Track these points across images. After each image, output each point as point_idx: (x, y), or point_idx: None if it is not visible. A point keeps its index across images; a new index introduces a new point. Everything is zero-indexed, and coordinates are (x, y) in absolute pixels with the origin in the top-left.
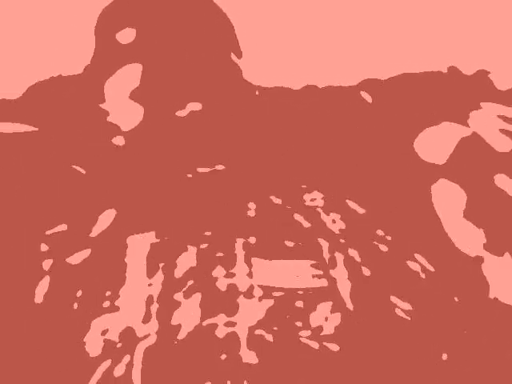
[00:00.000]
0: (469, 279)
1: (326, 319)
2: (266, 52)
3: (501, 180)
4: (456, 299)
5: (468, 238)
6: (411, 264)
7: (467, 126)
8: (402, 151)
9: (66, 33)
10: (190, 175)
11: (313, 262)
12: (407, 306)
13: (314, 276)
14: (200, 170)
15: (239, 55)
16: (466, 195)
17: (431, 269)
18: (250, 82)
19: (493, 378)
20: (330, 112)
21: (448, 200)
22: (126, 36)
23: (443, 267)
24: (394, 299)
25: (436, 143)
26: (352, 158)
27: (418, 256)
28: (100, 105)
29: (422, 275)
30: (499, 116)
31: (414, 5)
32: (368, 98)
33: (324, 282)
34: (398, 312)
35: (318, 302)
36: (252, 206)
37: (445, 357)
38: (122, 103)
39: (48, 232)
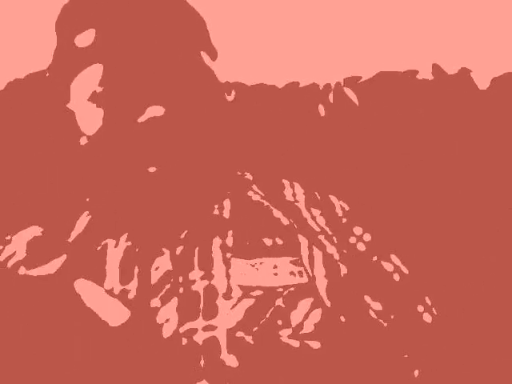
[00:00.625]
0: (443, 283)
1: (307, 316)
2: (249, 49)
3: (480, 177)
4: (428, 302)
5: (448, 240)
6: (386, 264)
7: (449, 124)
8: (386, 149)
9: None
10: (161, 175)
11: (292, 258)
12: (378, 307)
13: (293, 273)
14: (172, 170)
15: (213, 56)
16: (448, 194)
17: (405, 271)
18: (227, 82)
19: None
20: (312, 108)
21: (431, 199)
22: (88, 36)
23: (417, 269)
24: (367, 299)
25: (419, 141)
26: (336, 154)
27: (393, 257)
28: (67, 105)
29: (396, 276)
30: (480, 114)
31: (397, 2)
32: (352, 94)
33: (304, 279)
34: (371, 312)
35: (299, 300)
36: (227, 204)
37: (416, 371)
38: (84, 106)
39: (23, 237)
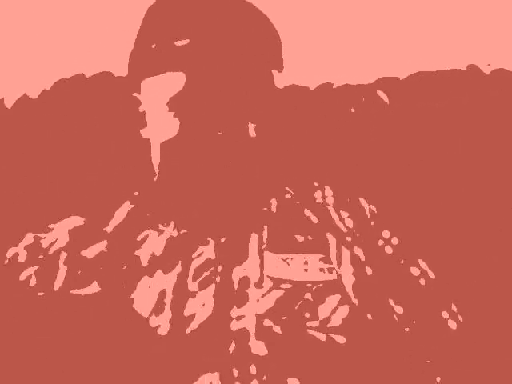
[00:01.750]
0: (471, 291)
1: (334, 311)
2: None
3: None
4: (454, 308)
5: (478, 249)
6: (413, 269)
7: (486, 125)
8: (418, 152)
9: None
10: (206, 171)
11: (322, 255)
12: (400, 310)
13: (322, 270)
14: (216, 167)
15: (280, 68)
16: (480, 201)
17: (432, 276)
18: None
19: None
20: (345, 110)
21: (463, 206)
22: (169, 41)
23: (445, 275)
24: (391, 302)
25: (453, 144)
26: (367, 157)
27: (420, 261)
28: (134, 95)
29: (422, 281)
30: (498, 114)
31: (433, 3)
32: (384, 96)
33: (333, 276)
34: (393, 315)
35: (327, 295)
36: (273, 202)
37: (438, 378)
38: (155, 108)
39: (65, 226)
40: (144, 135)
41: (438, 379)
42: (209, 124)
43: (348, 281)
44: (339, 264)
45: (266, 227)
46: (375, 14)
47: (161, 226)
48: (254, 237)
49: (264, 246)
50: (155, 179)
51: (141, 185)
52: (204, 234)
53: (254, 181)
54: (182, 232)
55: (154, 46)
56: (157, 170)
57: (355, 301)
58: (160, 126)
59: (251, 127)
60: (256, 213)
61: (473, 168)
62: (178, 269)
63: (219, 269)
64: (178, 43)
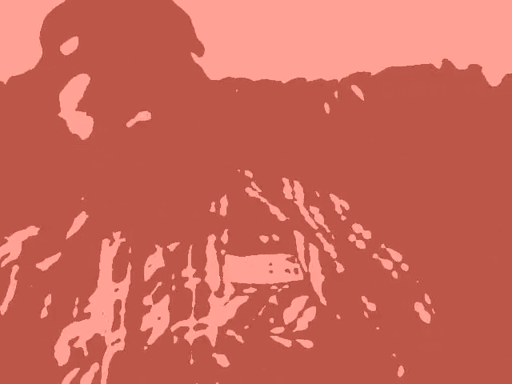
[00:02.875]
0: (444, 281)
1: (301, 314)
2: (255, 45)
3: (482, 173)
4: (427, 300)
5: (450, 238)
6: (385, 262)
7: (458, 120)
8: (389, 146)
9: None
10: (157, 172)
11: (288, 255)
12: (373, 307)
13: (288, 270)
14: (169, 167)
15: (200, 52)
16: (450, 191)
17: (405, 268)
18: (230, 77)
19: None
20: (317, 105)
21: (432, 197)
22: (72, 43)
23: (418, 267)
24: (363, 299)
25: (420, 138)
26: (338, 152)
27: (393, 253)
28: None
29: (395, 274)
30: (490, 110)
31: None
32: (358, 91)
33: (299, 277)
34: (365, 313)
35: (293, 297)
36: (224, 201)
37: (400, 369)
38: (76, 107)
39: (19, 237)
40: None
41: (401, 370)
42: (145, 122)
43: (317, 280)
44: (307, 262)
45: (226, 230)
46: (349, 8)
47: (113, 234)
48: (211, 240)
49: (224, 251)
50: (100, 185)
51: (89, 191)
52: (150, 241)
53: (207, 180)
54: (129, 239)
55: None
56: (100, 175)
57: (323, 301)
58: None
59: (193, 123)
60: (210, 214)
61: (442, 157)
62: (128, 280)
63: (172, 277)
64: (73, 47)
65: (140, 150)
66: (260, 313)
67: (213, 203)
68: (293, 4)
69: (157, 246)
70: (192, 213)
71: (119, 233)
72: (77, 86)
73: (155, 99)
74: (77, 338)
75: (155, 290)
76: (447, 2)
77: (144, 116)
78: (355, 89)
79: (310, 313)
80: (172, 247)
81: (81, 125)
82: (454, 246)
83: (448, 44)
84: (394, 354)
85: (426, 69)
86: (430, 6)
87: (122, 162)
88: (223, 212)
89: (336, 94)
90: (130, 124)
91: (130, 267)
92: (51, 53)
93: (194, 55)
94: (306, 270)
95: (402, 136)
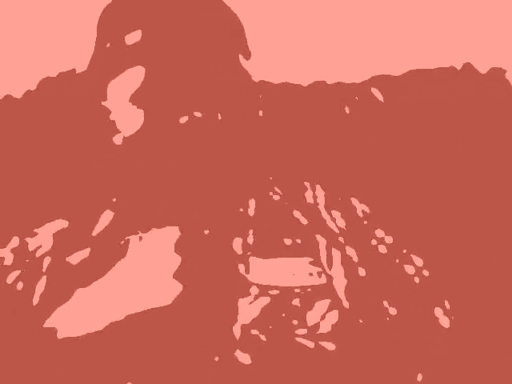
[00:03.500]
0: (465, 288)
1: (323, 317)
2: (274, 48)
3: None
4: (447, 305)
5: (472, 245)
6: (407, 267)
7: (480, 124)
8: (412, 151)
9: (64, 31)
10: (188, 174)
11: (311, 259)
12: (394, 311)
13: (311, 274)
14: (199, 167)
15: (247, 56)
16: (477, 198)
17: (426, 274)
18: (256, 81)
19: None
20: (338, 109)
21: (455, 203)
22: (131, 36)
23: (439, 273)
24: (385, 303)
25: (447, 142)
26: (360, 156)
27: (415, 259)
28: (103, 103)
29: (416, 279)
30: (495, 113)
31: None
32: (378, 94)
33: (322, 280)
34: (387, 317)
35: (316, 300)
36: (252, 203)
37: (419, 377)
38: (124, 105)
39: (49, 230)
40: (118, 142)
41: (420, 377)
42: (179, 123)
43: (339, 283)
44: (330, 266)
45: (251, 231)
46: (370, 11)
47: (140, 233)
48: (237, 241)
49: (249, 252)
50: (131, 184)
51: (120, 191)
52: (182, 240)
53: (232, 181)
54: (161, 238)
55: (108, 46)
56: (131, 174)
57: (346, 304)
58: (132, 129)
59: (231, 122)
60: (234, 216)
61: (466, 165)
62: (158, 276)
63: (201, 276)
64: (133, 40)
65: (171, 151)
66: (283, 314)
67: (241, 204)
68: (315, 8)
69: (188, 244)
70: (221, 212)
71: (152, 231)
72: (121, 84)
73: (193, 100)
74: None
75: (183, 287)
76: (467, 4)
77: (182, 117)
78: (375, 92)
79: (333, 316)
80: (202, 246)
81: (124, 119)
82: (475, 252)
83: (469, 47)
84: (407, 359)
85: (447, 72)
86: (450, 8)
87: (156, 163)
88: (251, 213)
89: (356, 97)
90: (166, 126)
91: (159, 263)
92: (109, 41)
93: (241, 59)
94: (329, 274)
95: (424, 140)
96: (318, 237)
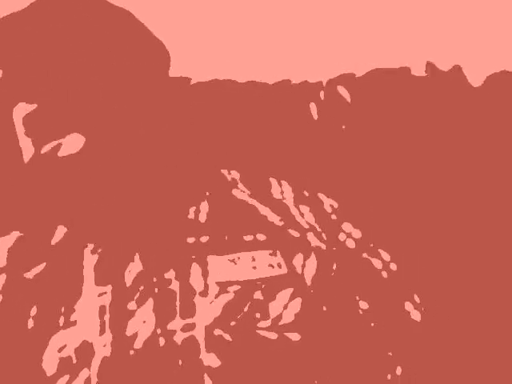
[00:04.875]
0: (433, 281)
1: (286, 307)
2: (240, 46)
3: (474, 176)
4: (417, 299)
5: (439, 237)
6: (375, 261)
7: (442, 121)
8: (375, 146)
9: None
10: (134, 175)
11: (270, 251)
12: (365, 305)
13: (271, 265)
14: (146, 168)
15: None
16: (438, 189)
17: (394, 268)
18: (216, 79)
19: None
20: (303, 106)
21: (421, 195)
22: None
23: (406, 266)
24: (356, 297)
25: (407, 138)
26: (325, 151)
27: (382, 253)
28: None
29: (384, 274)
30: (472, 111)
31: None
32: (345, 92)
33: (283, 270)
34: (358, 310)
35: (278, 291)
36: (204, 206)
37: (399, 368)
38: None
39: (3, 243)
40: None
41: (399, 370)
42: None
43: (309, 277)
44: (305, 260)
45: (207, 232)
46: (339, 8)
47: (90, 246)
48: (190, 241)
49: (206, 252)
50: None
51: (69, 199)
52: (130, 247)
53: (188, 182)
54: (109, 246)
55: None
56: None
57: (311, 290)
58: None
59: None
60: (187, 222)
61: (427, 153)
62: (110, 287)
63: (154, 280)
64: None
65: (117, 153)
66: (246, 308)
67: (192, 209)
68: (279, 5)
69: (136, 251)
70: (170, 219)
71: (99, 240)
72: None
73: (137, 100)
74: (64, 345)
75: (138, 294)
76: (431, 3)
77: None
78: (341, 90)
79: (295, 305)
80: (152, 251)
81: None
82: (442, 245)
83: (431, 45)
84: (390, 353)
85: (409, 71)
86: (414, 7)
87: (101, 169)
88: (202, 218)
89: (322, 95)
90: (110, 128)
91: (111, 273)
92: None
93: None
94: (301, 269)
95: (388, 135)
96: (290, 231)
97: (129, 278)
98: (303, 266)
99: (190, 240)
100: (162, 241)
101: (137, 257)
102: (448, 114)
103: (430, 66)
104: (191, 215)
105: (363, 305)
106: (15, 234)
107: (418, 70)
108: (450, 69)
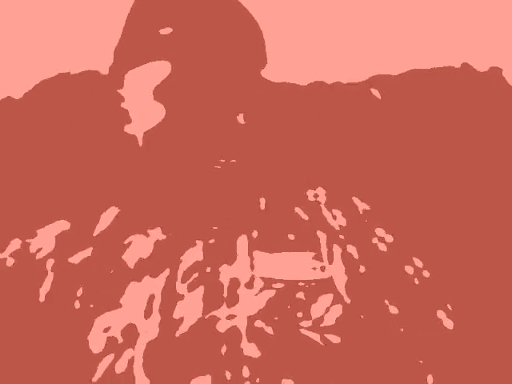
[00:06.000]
0: (465, 288)
1: (327, 310)
2: (274, 48)
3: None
4: (450, 308)
5: (473, 247)
6: (407, 267)
7: (478, 123)
8: (411, 150)
9: (66, 31)
10: (193, 171)
11: (314, 253)
12: (394, 310)
13: (315, 268)
14: (204, 166)
15: (263, 63)
16: (475, 198)
17: (426, 275)
18: (268, 81)
19: None
20: (337, 108)
21: (456, 203)
22: (151, 34)
23: (439, 273)
24: (386, 301)
25: (446, 141)
26: (360, 155)
27: (415, 259)
28: (103, 102)
29: (416, 280)
30: (492, 114)
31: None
32: (377, 94)
33: (325, 274)
34: (387, 315)
35: (320, 294)
36: (262, 200)
37: (429, 378)
38: (127, 105)
39: (51, 231)
40: (130, 132)
41: (430, 379)
42: (195, 120)
43: (340, 280)
44: (330, 262)
45: (256, 227)
46: (368, 11)
47: (148, 230)
48: (243, 236)
49: (255, 247)
50: (140, 180)
51: (127, 187)
52: (191, 236)
53: (243, 180)
54: (169, 235)
55: (138, 40)
56: (142, 170)
57: (348, 300)
58: (145, 122)
59: (240, 122)
60: (244, 212)
61: (467, 165)
62: (167, 272)
63: (208, 270)
64: (161, 33)
65: (183, 146)
66: (288, 306)
67: (256, 201)
68: (312, 8)
69: (197, 240)
70: (228, 210)
71: (159, 228)
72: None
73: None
74: (109, 327)
75: (191, 280)
76: (464, 4)
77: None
78: (374, 91)
79: (337, 310)
80: (210, 242)
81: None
82: (475, 254)
83: (468, 46)
84: (421, 361)
85: (446, 71)
86: (446, 8)
87: (159, 159)
88: (262, 207)
89: (356, 97)
90: (169, 126)
91: (168, 260)
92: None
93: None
94: (330, 270)
95: (425, 139)
96: (319, 233)
97: (184, 265)
98: (336, 272)
99: (243, 235)
100: (219, 232)
101: (199, 246)
102: (483, 114)
103: (465, 67)
104: (251, 206)
105: (393, 309)
106: (62, 223)
107: (453, 71)
108: (486, 70)
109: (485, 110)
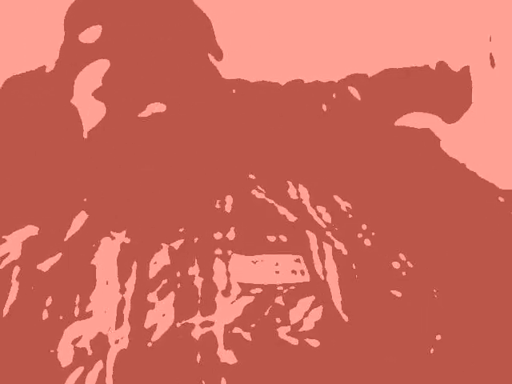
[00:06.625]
0: (450, 278)
1: (306, 314)
2: (251, 46)
3: (487, 176)
4: (435, 295)
5: (453, 237)
6: (394, 263)
7: (455, 121)
8: (390, 147)
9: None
10: (161, 170)
11: (295, 256)
12: (387, 303)
13: (295, 271)
14: (173, 166)
15: (219, 56)
16: (455, 192)
17: (410, 265)
18: (230, 79)
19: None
20: (316, 107)
21: (436, 197)
22: (93, 33)
23: (422, 264)
24: (379, 296)
25: (425, 139)
26: (339, 153)
27: (399, 253)
28: (70, 101)
29: (403, 273)
30: (484, 112)
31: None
32: (355, 93)
33: (305, 278)
34: (382, 308)
35: (299, 298)
36: (229, 199)
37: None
38: (86, 101)
39: (18, 236)
40: (87, 136)
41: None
42: (153, 121)
43: (333, 277)
44: (322, 260)
45: (232, 228)
46: (347, 10)
47: (113, 233)
48: (217, 238)
49: (231, 250)
50: (103, 183)
51: (92, 190)
52: (157, 239)
53: (211, 179)
54: (133, 239)
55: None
56: (104, 173)
57: (339, 298)
58: (103, 126)
59: (199, 122)
60: (215, 213)
61: (445, 160)
62: (134, 278)
63: (178, 275)
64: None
65: (144, 147)
66: (266, 312)
67: (218, 200)
68: (291, 5)
69: (163, 243)
70: (197, 210)
71: (124, 231)
72: (90, 77)
73: (165, 95)
74: (80, 337)
75: (160, 287)
76: (441, 3)
77: (152, 110)
78: (352, 90)
79: (316, 313)
80: (177, 245)
81: (88, 116)
82: (457, 247)
83: (443, 45)
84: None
85: (421, 70)
86: (425, 7)
87: (125, 160)
88: (228, 208)
89: (334, 96)
90: (138, 117)
91: (135, 265)
92: (70, 41)
93: (211, 57)
94: (321, 268)
95: (401, 137)
96: (308, 232)
97: (153, 271)
98: (325, 272)
99: (217, 236)
100: (188, 234)
101: (165, 249)
102: (460, 112)
103: (441, 66)
104: (217, 206)
105: (387, 304)
106: (30, 228)
107: (430, 71)
108: (461, 69)
109: (461, 108)
